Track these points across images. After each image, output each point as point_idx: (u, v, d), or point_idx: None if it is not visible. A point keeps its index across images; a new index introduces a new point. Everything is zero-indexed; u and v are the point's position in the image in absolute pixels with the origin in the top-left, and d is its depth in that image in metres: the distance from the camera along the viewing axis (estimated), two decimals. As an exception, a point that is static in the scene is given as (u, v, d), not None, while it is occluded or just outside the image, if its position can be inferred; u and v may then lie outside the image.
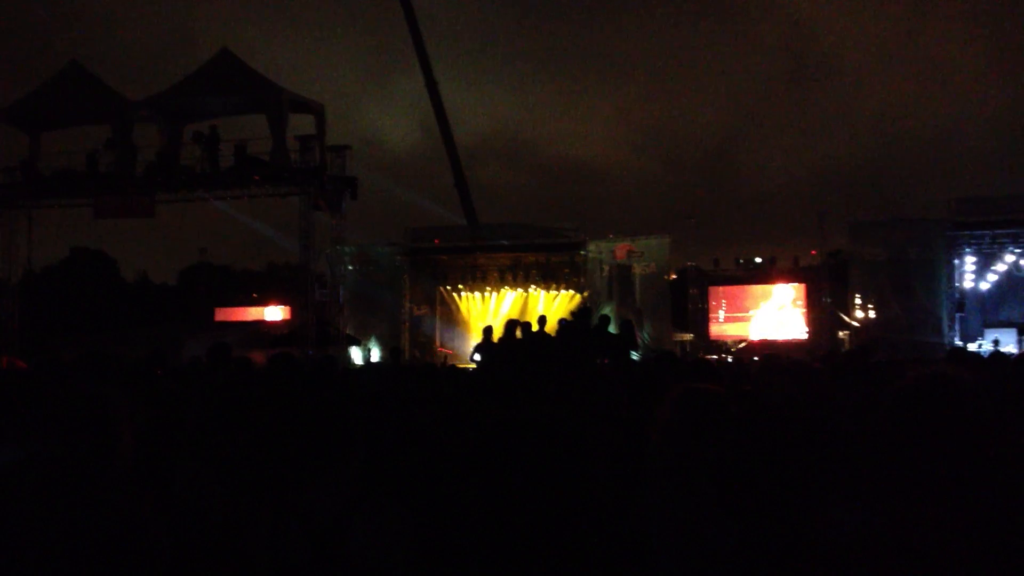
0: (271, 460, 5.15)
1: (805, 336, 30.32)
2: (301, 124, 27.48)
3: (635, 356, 13.39)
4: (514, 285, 30.86)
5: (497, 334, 13.64)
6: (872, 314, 27.57)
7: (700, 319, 31.81)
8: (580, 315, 14.02)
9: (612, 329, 13.33)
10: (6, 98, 28.76)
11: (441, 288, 31.51)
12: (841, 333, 28.79)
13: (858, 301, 28.05)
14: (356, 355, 28.59)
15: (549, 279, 30.41)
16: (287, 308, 35.61)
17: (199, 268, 49.72)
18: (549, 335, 12.33)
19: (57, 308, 38.77)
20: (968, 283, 27.33)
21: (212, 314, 38.32)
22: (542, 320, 13.13)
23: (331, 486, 5.11)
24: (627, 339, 13.22)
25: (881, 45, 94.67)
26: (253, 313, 38.22)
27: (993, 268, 27.54)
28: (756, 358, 23.73)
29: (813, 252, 31.83)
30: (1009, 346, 24.77)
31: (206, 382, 6.84)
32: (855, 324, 28.02)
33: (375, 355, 29.37)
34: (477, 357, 13.88)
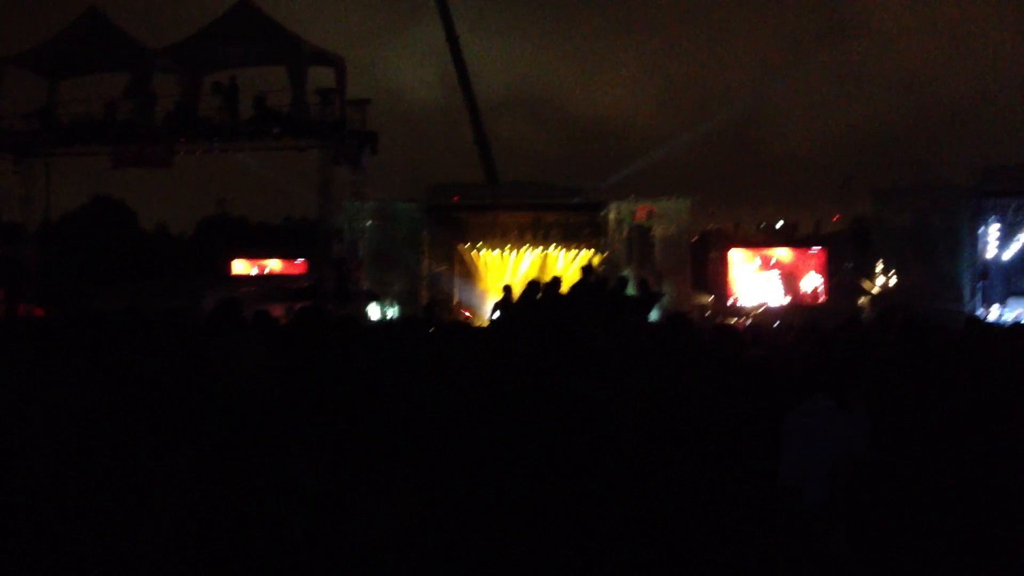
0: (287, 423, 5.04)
1: (823, 300, 30.06)
2: (321, 77, 27.24)
3: (654, 316, 13.24)
4: (534, 244, 30.70)
5: (517, 293, 13.52)
6: (893, 281, 27.32)
7: (720, 282, 31.56)
8: (585, 275, 13.79)
9: (630, 291, 13.18)
10: (24, 44, 28.55)
11: (460, 245, 31.35)
12: (861, 300, 28.52)
13: (880, 268, 27.77)
14: (374, 311, 28.52)
15: (569, 239, 30.26)
16: (305, 262, 35.55)
17: (216, 219, 49.75)
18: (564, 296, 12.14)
19: (75, 257, 38.83)
20: (992, 252, 26.98)
21: (229, 266, 38.30)
22: (557, 281, 12.88)
23: (336, 453, 5.02)
24: (644, 300, 13.06)
25: (913, 6, 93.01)
26: (271, 266, 38.20)
27: (1017, 237, 27.15)
28: (778, 323, 23.56)
29: (836, 217, 31.48)
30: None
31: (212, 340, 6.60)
32: (876, 290, 27.76)
33: (391, 312, 29.31)
34: (496, 316, 13.76)
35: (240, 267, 38.34)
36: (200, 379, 5.20)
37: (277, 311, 18.04)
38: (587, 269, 14.43)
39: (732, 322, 26.45)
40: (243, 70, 27.23)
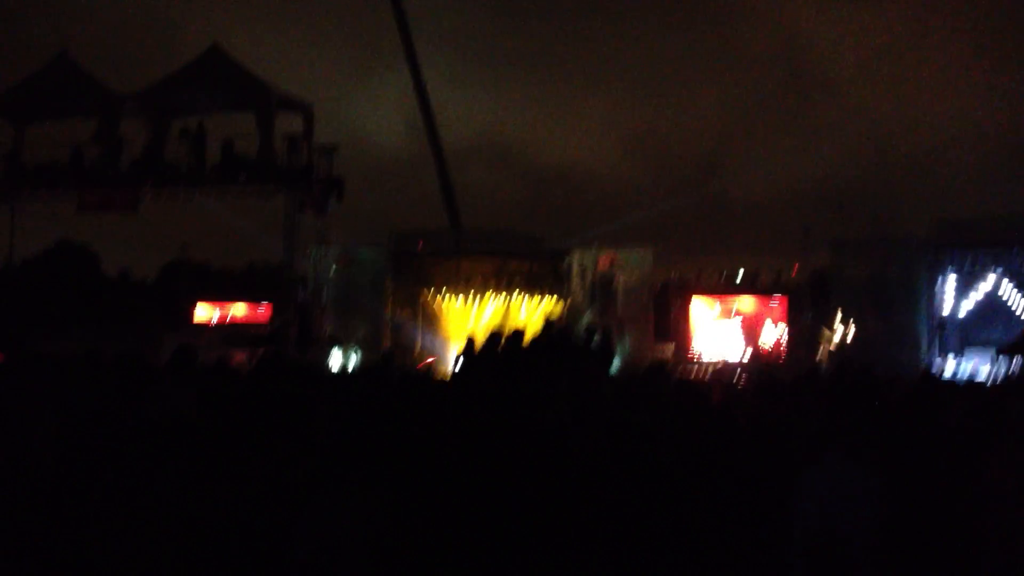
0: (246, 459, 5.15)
1: (784, 352, 30.32)
2: (289, 122, 27.39)
3: (614, 367, 13.37)
4: (497, 291, 30.82)
5: (479, 344, 13.60)
6: (852, 332, 27.65)
7: (682, 331, 31.77)
8: (547, 327, 13.91)
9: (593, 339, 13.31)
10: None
11: (424, 292, 31.41)
12: (820, 351, 28.82)
13: (839, 318, 28.12)
14: (336, 356, 28.45)
15: (532, 286, 30.41)
16: (267, 308, 35.37)
17: (179, 265, 49.37)
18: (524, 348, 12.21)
19: (35, 301, 38.43)
20: (949, 304, 27.44)
21: (191, 312, 38.00)
22: (519, 333, 12.94)
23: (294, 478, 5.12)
24: (607, 351, 13.21)
25: (876, 61, 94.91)
26: (233, 312, 37.94)
27: (974, 289, 27.63)
28: (742, 372, 23.81)
29: (796, 268, 31.89)
30: (984, 366, 25.00)
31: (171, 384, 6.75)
32: (835, 341, 28.07)
33: (353, 359, 29.24)
34: (458, 367, 13.82)
35: (202, 312, 38.06)
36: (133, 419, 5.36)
37: (240, 356, 18.02)
38: (548, 322, 14.58)
39: (692, 372, 26.70)
40: (211, 116, 27.31)
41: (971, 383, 10.02)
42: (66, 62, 27.73)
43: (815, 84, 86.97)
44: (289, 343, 26.20)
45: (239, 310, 37.84)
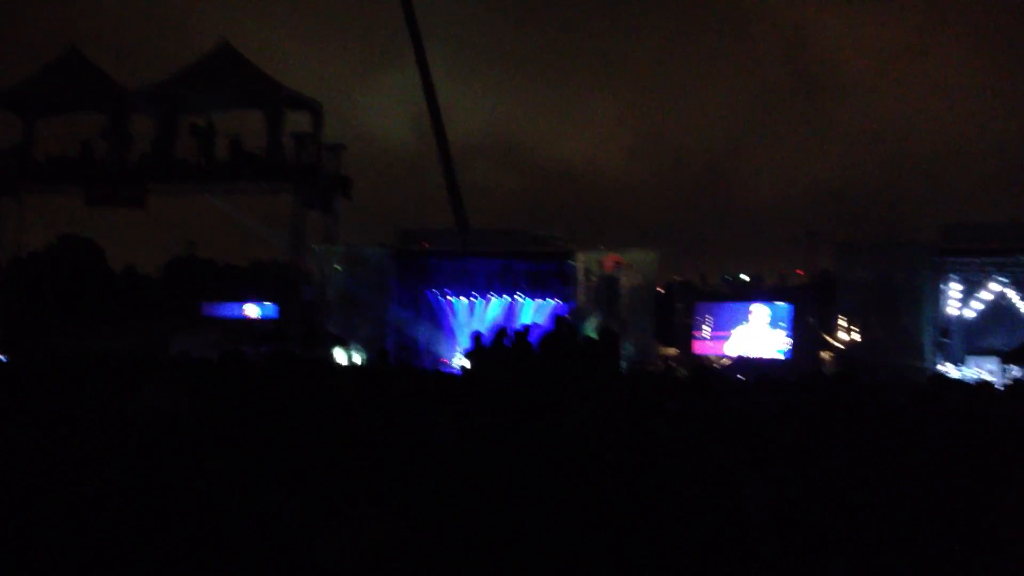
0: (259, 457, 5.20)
1: (788, 356, 30.35)
2: (297, 121, 27.45)
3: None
4: (502, 291, 30.88)
5: (486, 342, 13.63)
6: (856, 336, 27.67)
7: (685, 334, 31.83)
8: (558, 325, 13.97)
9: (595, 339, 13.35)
10: (1, 83, 28.59)
11: (428, 291, 31.48)
12: (824, 354, 28.85)
13: (843, 322, 28.14)
14: (340, 356, 28.52)
15: (537, 287, 30.46)
16: (272, 305, 35.48)
17: (185, 261, 49.50)
18: (531, 345, 12.28)
19: (42, 295, 38.54)
20: (954, 309, 27.45)
21: (197, 309, 38.14)
22: (528, 329, 13.06)
23: (309, 486, 5.16)
24: (612, 352, 13.25)
25: (884, 63, 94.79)
26: (238, 309, 38.06)
27: (979, 295, 27.64)
28: (740, 376, 23.79)
29: (800, 272, 31.93)
30: (986, 375, 24.93)
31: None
32: (839, 346, 28.10)
33: (357, 358, 29.31)
34: (466, 363, 13.88)
35: (208, 310, 38.19)
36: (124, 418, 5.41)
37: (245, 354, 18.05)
38: (559, 319, 14.66)
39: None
40: (220, 113, 27.39)
41: (983, 383, 10.03)
42: (76, 57, 27.85)
43: (824, 86, 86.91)
44: (293, 341, 26.25)
45: (244, 308, 38.00)
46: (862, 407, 7.59)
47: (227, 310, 37.90)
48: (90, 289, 43.45)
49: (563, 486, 4.81)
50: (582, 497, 4.85)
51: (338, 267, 29.73)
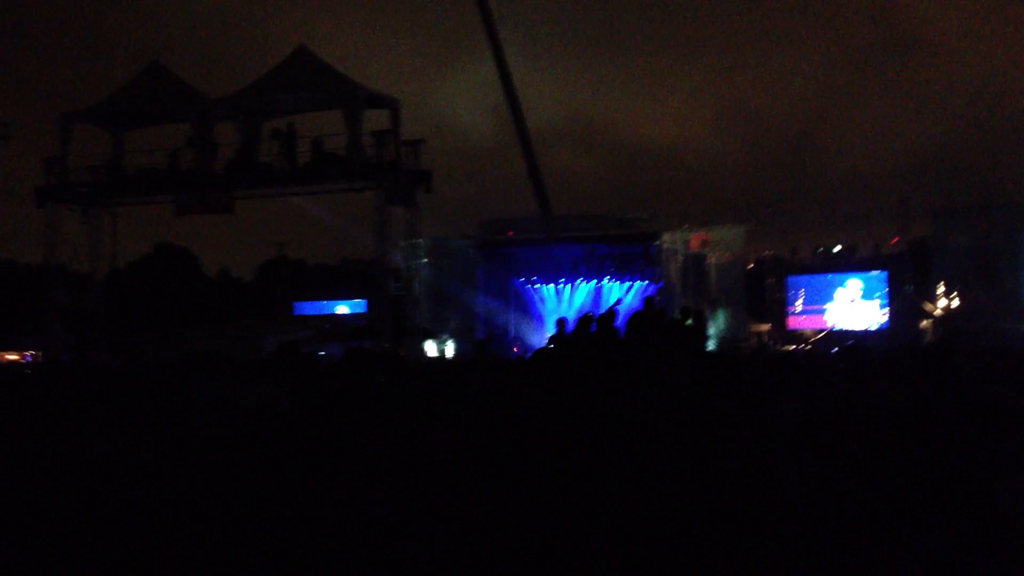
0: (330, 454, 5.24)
1: (885, 326, 29.66)
2: (376, 118, 27.65)
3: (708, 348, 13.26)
4: (588, 276, 30.81)
5: (571, 327, 13.58)
6: (955, 303, 26.94)
7: (777, 309, 31.34)
8: (647, 306, 13.83)
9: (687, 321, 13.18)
10: (88, 99, 29.42)
11: (515, 280, 31.56)
12: (923, 322, 28.14)
13: (941, 290, 27.42)
14: (430, 348, 28.77)
15: (623, 270, 30.31)
16: (363, 302, 36.00)
17: (276, 263, 50.45)
18: (617, 329, 12.17)
19: (140, 304, 39.70)
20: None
21: (290, 308, 38.92)
22: (612, 313, 12.95)
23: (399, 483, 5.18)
24: (699, 332, 13.06)
25: (979, 18, 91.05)
26: (330, 307, 38.75)
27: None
28: (835, 349, 23.33)
29: (895, 240, 31.15)
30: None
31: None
32: (938, 313, 27.39)
33: (449, 349, 29.54)
34: (550, 347, 13.84)
35: (300, 309, 38.96)
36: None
37: (338, 351, 18.32)
38: (647, 300, 14.51)
39: (791, 348, 26.24)
40: (300, 115, 27.76)
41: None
42: (158, 70, 28.50)
43: (913, 45, 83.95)
44: (383, 336, 26.52)
45: (335, 306, 38.68)
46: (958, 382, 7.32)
47: (318, 308, 38.60)
48: (187, 294, 44.62)
49: (628, 470, 4.75)
50: (648, 481, 4.79)
51: (424, 260, 29.97)
